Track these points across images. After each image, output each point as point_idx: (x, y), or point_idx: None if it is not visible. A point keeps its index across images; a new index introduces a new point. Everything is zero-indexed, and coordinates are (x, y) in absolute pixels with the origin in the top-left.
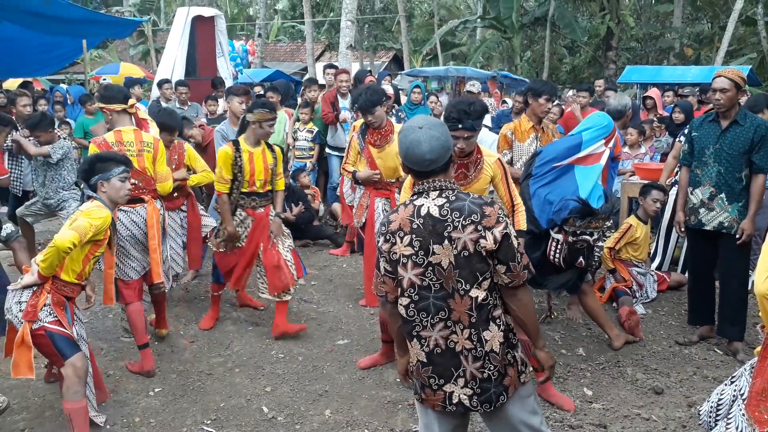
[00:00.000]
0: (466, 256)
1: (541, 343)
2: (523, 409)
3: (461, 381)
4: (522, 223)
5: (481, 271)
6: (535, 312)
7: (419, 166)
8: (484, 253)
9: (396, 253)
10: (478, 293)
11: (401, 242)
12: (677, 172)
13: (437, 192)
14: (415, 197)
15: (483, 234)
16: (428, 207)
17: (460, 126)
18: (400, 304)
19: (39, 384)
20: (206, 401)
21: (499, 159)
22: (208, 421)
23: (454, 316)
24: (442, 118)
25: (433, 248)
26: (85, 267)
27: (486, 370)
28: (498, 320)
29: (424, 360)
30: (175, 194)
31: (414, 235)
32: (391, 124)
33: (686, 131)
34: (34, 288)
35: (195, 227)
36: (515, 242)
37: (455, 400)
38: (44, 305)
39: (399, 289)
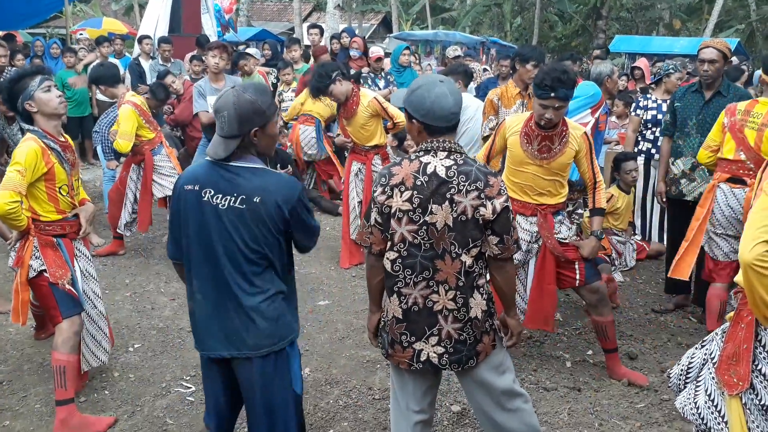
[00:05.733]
0: (463, 221)
1: (513, 311)
2: (495, 370)
3: (433, 339)
4: (602, 200)
5: (474, 238)
6: (515, 282)
7: (443, 120)
8: (481, 222)
9: (391, 207)
10: (467, 259)
11: (400, 197)
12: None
13: (446, 153)
14: (421, 154)
15: (484, 203)
16: (435, 166)
17: (552, 94)
18: (387, 258)
19: (18, 338)
20: (186, 358)
21: (585, 133)
22: (187, 378)
23: (440, 277)
24: (532, 84)
25: (431, 208)
26: (59, 202)
27: (464, 334)
28: (482, 289)
29: (400, 316)
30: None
31: (415, 192)
32: (358, 96)
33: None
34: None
35: (145, 189)
36: (511, 216)
37: (423, 358)
38: (33, 251)
39: (387, 243)
